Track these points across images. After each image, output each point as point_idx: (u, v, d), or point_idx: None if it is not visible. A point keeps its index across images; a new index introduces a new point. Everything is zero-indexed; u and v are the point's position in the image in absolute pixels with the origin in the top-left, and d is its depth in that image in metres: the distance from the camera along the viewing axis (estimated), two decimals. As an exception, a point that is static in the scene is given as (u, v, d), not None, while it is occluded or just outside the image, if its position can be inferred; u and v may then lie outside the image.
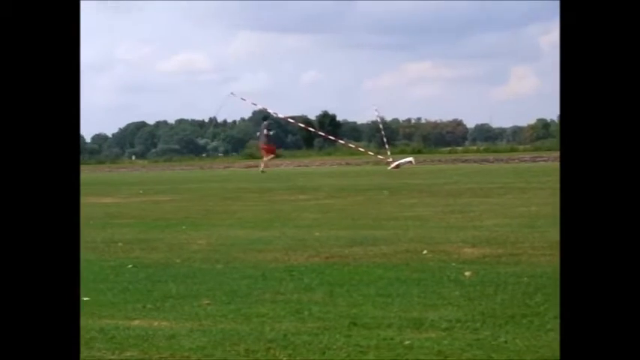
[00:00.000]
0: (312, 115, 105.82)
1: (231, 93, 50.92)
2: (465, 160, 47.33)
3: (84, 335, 5.26)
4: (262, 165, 38.72)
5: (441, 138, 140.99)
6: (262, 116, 42.35)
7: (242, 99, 51.54)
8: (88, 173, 45.56)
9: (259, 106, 56.80)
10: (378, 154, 43.84)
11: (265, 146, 39.65)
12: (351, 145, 58.05)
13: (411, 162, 40.33)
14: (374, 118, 52.15)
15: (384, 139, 45.30)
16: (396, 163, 38.61)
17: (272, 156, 39.30)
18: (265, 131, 40.00)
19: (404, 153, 55.78)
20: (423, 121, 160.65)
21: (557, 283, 6.24)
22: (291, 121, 64.63)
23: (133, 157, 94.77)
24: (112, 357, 4.86)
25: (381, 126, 48.05)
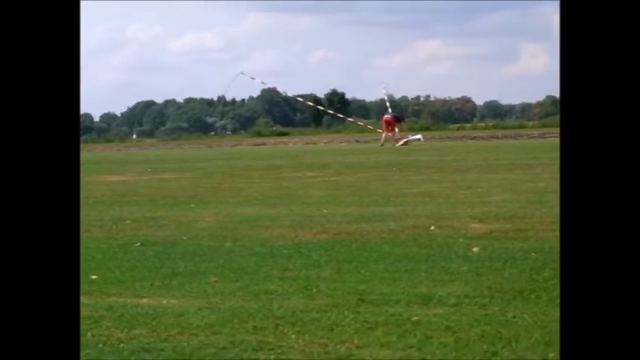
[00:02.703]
0: (321, 94, 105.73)
1: (241, 72, 51.07)
2: (474, 137, 47.26)
3: (92, 314, 5.28)
4: (382, 138, 39.19)
5: (449, 115, 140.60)
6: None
7: (252, 78, 51.77)
8: (96, 152, 45.66)
9: (268, 85, 56.80)
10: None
11: (389, 118, 39.85)
12: (359, 123, 57.96)
13: (419, 139, 40.30)
14: (382, 96, 51.82)
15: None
16: (404, 140, 38.58)
17: (392, 132, 39.25)
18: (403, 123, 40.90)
19: (412, 130, 55.78)
20: (432, 98, 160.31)
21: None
22: (300, 99, 64.58)
23: (134, 137, 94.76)
24: (121, 335, 4.86)
25: (387, 103, 47.85)
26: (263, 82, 55.84)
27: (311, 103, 66.03)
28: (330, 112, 60.35)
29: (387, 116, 40.75)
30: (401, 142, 37.97)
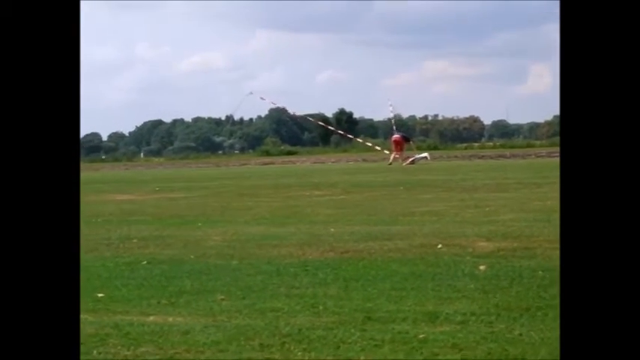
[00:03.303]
0: (329, 113, 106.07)
1: (250, 92, 51.27)
2: (482, 156, 47.22)
3: (99, 331, 5.28)
4: (392, 158, 39.48)
5: (457, 134, 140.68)
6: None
7: (261, 98, 51.92)
8: (104, 171, 45.73)
9: (278, 105, 56.94)
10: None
11: (397, 138, 40.40)
12: (368, 144, 57.96)
13: (426, 157, 40.39)
14: (390, 115, 51.82)
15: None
16: (411, 159, 38.65)
17: (400, 152, 39.51)
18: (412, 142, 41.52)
19: (420, 149, 55.75)
20: (440, 117, 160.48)
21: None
22: (311, 119, 64.63)
23: (142, 156, 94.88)
24: (127, 353, 4.87)
25: (393, 123, 47.90)
26: (273, 103, 55.98)
27: (322, 123, 65.93)
28: (340, 132, 60.29)
29: (395, 136, 41.14)
30: (408, 161, 38.04)
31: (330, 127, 64.72)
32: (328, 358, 4.64)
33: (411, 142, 41.84)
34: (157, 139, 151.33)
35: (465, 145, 76.21)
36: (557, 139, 76.94)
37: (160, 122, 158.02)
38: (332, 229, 10.42)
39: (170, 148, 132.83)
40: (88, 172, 39.01)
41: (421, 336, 4.97)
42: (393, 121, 48.30)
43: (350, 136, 58.76)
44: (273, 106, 60.24)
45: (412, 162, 38.18)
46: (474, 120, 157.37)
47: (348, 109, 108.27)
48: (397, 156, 39.16)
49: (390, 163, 38.13)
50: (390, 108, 54.53)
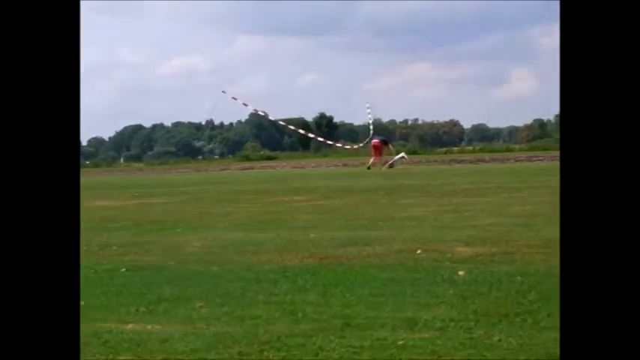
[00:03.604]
0: (310, 117, 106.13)
1: (223, 91, 51.23)
2: (461, 161, 47.33)
3: (77, 339, 5.26)
4: (370, 162, 39.54)
5: (437, 138, 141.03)
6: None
7: (233, 98, 51.68)
8: (84, 176, 45.54)
9: (253, 108, 56.86)
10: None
11: (377, 143, 40.74)
12: (347, 147, 57.97)
13: (403, 157, 40.56)
14: (369, 120, 51.91)
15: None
16: (390, 162, 38.74)
17: (379, 157, 39.58)
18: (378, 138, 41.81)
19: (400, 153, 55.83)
20: (420, 122, 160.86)
21: (551, 281, 6.30)
22: (282, 123, 64.57)
23: (122, 161, 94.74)
24: (106, 360, 4.86)
25: (371, 127, 48.03)
26: (245, 104, 55.45)
27: (302, 131, 65.69)
28: (320, 138, 60.12)
29: (374, 141, 41.39)
30: (387, 165, 38.13)
31: (309, 135, 64.56)
32: (307, 365, 4.64)
33: (390, 146, 41.84)
34: (136, 144, 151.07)
35: (444, 149, 76.34)
36: (536, 143, 77.26)
37: (139, 127, 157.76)
38: (311, 235, 10.42)
39: (150, 153, 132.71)
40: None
41: (400, 342, 4.98)
42: (371, 126, 48.39)
43: (329, 142, 58.69)
44: (253, 111, 60.02)
45: (391, 165, 38.26)
46: (454, 124, 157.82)
47: (328, 114, 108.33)
48: (376, 161, 39.25)
49: (369, 168, 38.21)
50: (368, 111, 54.65)
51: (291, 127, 66.83)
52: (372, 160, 39.59)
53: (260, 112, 56.34)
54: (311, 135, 63.50)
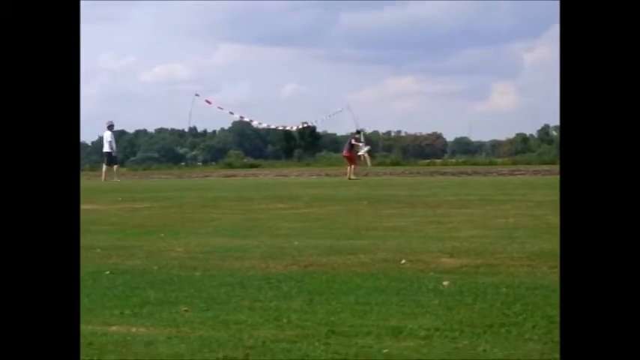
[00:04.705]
0: (293, 127, 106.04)
1: (196, 94, 51.26)
2: (444, 173, 47.35)
3: (61, 340, 5.24)
4: (349, 172, 39.71)
5: (420, 150, 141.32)
6: (356, 130, 43.07)
7: (207, 101, 51.80)
8: (66, 181, 45.33)
9: (239, 115, 56.80)
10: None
11: (347, 154, 40.71)
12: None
13: (369, 150, 41.10)
14: (352, 129, 51.89)
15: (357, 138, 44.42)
16: (360, 153, 39.51)
17: (354, 164, 39.76)
18: (353, 141, 41.55)
19: (383, 165, 55.93)
20: (402, 133, 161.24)
21: (536, 293, 6.32)
22: (280, 128, 64.60)
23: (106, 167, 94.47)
24: (89, 362, 4.84)
25: (351, 135, 48.15)
26: (220, 107, 55.34)
27: (293, 128, 65.62)
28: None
29: (344, 152, 41.36)
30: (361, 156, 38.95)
31: (290, 130, 64.46)
32: (292, 371, 4.63)
33: (358, 143, 41.86)
34: (119, 149, 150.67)
35: (427, 161, 76.48)
36: (518, 157, 77.48)
37: (122, 133, 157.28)
38: (295, 243, 10.40)
39: (133, 158, 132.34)
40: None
41: (385, 351, 4.98)
42: (352, 135, 48.53)
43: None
44: (237, 119, 59.99)
45: (364, 157, 39.07)
46: (437, 136, 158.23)
47: (311, 124, 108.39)
48: (353, 168, 39.50)
49: (350, 178, 38.32)
50: (339, 109, 54.71)
51: (282, 129, 66.92)
52: (348, 169, 39.79)
53: (246, 119, 56.31)
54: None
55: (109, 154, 40.77)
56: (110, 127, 41.34)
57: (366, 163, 42.91)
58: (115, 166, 41.16)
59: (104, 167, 41.10)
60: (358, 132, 42.43)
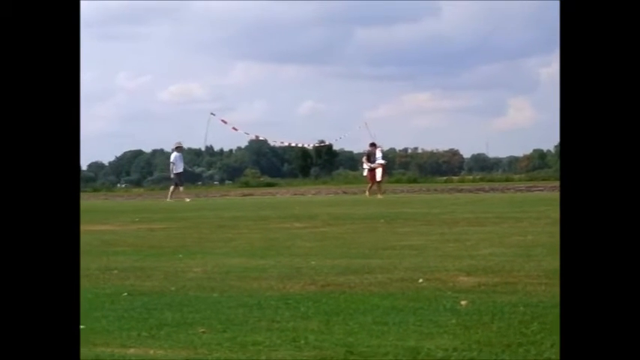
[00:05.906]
0: (310, 145, 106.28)
1: (212, 113, 51.34)
2: (461, 190, 47.34)
3: (79, 363, 5.24)
4: (368, 190, 39.92)
5: (437, 167, 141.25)
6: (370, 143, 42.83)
7: (223, 121, 51.79)
8: (84, 201, 45.49)
9: (254, 135, 56.83)
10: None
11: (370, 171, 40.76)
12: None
13: (383, 162, 41.09)
14: (367, 145, 51.88)
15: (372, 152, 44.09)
16: (375, 166, 39.52)
17: (372, 183, 39.87)
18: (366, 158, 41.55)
19: (400, 182, 55.89)
20: (419, 150, 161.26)
21: (554, 312, 6.28)
22: (291, 144, 64.63)
23: (121, 185, 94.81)
24: (107, 385, 4.84)
25: (366, 124, 47.81)
26: (234, 128, 55.35)
27: (309, 145, 65.74)
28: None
29: (367, 168, 41.18)
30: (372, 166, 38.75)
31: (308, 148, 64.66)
32: (310, 392, 4.63)
33: (377, 150, 41.75)
34: (136, 169, 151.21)
35: (444, 178, 76.42)
36: (535, 173, 77.36)
37: (139, 152, 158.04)
38: (312, 262, 10.40)
39: (150, 178, 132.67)
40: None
41: (403, 371, 4.97)
42: (367, 124, 48.38)
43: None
44: (253, 138, 60.05)
45: (378, 168, 39.11)
46: (454, 153, 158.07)
47: (328, 141, 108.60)
48: (373, 187, 39.59)
49: (369, 195, 38.45)
50: (359, 128, 54.77)
51: (300, 147, 66.99)
52: (368, 187, 39.86)
53: (262, 138, 56.43)
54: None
55: (178, 174, 40.98)
56: (178, 148, 41.58)
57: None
58: (181, 187, 41.36)
59: (172, 188, 41.30)
60: (373, 144, 42.17)
